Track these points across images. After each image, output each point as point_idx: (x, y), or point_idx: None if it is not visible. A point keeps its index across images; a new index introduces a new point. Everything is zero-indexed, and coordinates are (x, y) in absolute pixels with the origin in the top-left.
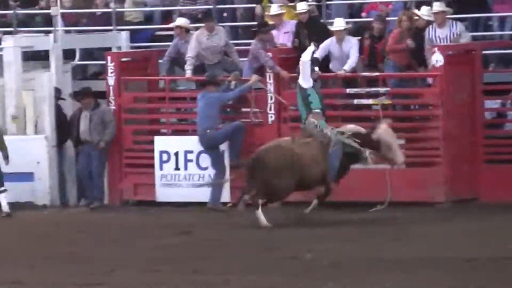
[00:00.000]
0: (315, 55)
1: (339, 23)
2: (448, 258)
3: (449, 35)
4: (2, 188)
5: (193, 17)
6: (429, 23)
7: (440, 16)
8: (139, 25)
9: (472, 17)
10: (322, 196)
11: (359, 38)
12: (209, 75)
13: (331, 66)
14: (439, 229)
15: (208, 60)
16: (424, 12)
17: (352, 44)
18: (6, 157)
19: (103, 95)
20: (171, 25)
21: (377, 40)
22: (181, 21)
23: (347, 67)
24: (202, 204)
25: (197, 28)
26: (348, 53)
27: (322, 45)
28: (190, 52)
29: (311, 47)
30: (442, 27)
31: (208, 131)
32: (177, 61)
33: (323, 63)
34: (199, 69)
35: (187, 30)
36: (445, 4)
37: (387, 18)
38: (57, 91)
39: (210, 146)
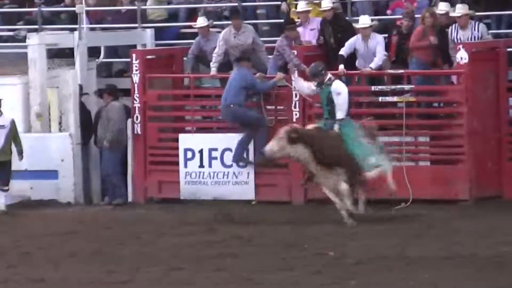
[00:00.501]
0: (340, 52)
1: (364, 20)
2: (473, 255)
3: (471, 37)
4: (6, 188)
5: (218, 15)
6: (451, 19)
7: (463, 18)
8: (163, 22)
9: (496, 14)
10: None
11: (386, 35)
12: (244, 52)
13: (357, 63)
14: (464, 226)
15: (234, 58)
16: (443, 7)
17: (377, 41)
18: (20, 153)
19: (127, 92)
20: (193, 24)
21: (405, 37)
22: (201, 22)
23: (373, 65)
24: (226, 201)
25: (220, 26)
26: (374, 50)
27: (348, 43)
28: (217, 50)
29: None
30: (465, 29)
31: (231, 105)
32: (201, 58)
33: (349, 60)
34: (224, 66)
35: (211, 27)
36: (468, 5)
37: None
38: (79, 87)
39: (232, 121)
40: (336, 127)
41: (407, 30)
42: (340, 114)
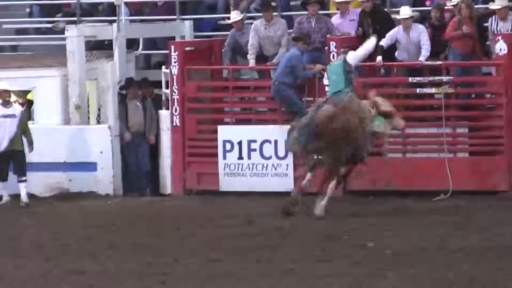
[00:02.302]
0: (380, 43)
1: (405, 11)
2: None
3: (510, 29)
4: (24, 178)
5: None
6: (487, 10)
7: (503, 10)
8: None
9: None
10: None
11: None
12: (301, 33)
13: (396, 54)
14: (503, 217)
15: (266, 51)
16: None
17: (420, 31)
18: (30, 143)
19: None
20: (228, 21)
21: (438, 29)
22: (234, 16)
23: (422, 58)
24: (265, 193)
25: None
26: (416, 41)
27: (389, 34)
28: (251, 42)
29: (373, 39)
30: (505, 21)
31: (276, 82)
32: (237, 50)
33: (388, 52)
34: (261, 58)
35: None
36: None
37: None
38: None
39: (275, 98)
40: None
41: (437, 21)
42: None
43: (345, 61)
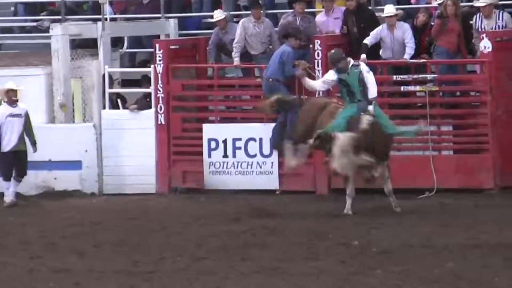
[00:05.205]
0: (364, 41)
1: (389, 9)
2: (498, 244)
3: (495, 26)
4: (21, 178)
5: (238, 6)
6: (472, 8)
7: (487, 8)
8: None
9: None
10: None
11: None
12: (294, 29)
13: (381, 53)
14: (489, 215)
15: (252, 49)
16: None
17: (404, 30)
18: (34, 143)
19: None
20: (213, 20)
21: (419, 33)
22: (217, 15)
23: (407, 56)
24: (250, 191)
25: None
26: (400, 39)
27: (373, 32)
28: (237, 39)
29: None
30: (489, 18)
31: (270, 79)
32: (222, 49)
33: (372, 50)
34: (245, 56)
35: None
36: None
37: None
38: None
39: (269, 95)
40: (371, 108)
41: (422, 25)
42: (374, 91)
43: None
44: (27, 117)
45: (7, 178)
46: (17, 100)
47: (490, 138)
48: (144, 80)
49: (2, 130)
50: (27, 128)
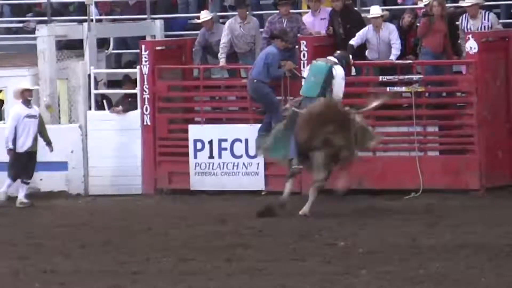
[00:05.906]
0: (350, 42)
1: (375, 10)
2: (484, 244)
3: (481, 26)
4: (29, 181)
5: (224, 7)
6: (457, 8)
7: (473, 8)
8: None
9: (506, 4)
10: None
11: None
12: (281, 30)
13: (367, 54)
14: (474, 216)
15: (238, 48)
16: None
17: (390, 31)
18: (49, 143)
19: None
20: (199, 21)
21: (404, 33)
22: (204, 15)
23: (393, 56)
24: (236, 192)
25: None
26: (386, 40)
27: (358, 33)
28: (223, 40)
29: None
30: (475, 19)
31: (255, 80)
32: (208, 50)
33: (358, 51)
34: (231, 57)
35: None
36: None
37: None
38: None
39: (252, 95)
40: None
41: (407, 25)
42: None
43: (331, 68)
44: (40, 117)
45: (15, 178)
46: (31, 101)
47: (476, 139)
48: (126, 80)
49: (18, 131)
50: (41, 128)
